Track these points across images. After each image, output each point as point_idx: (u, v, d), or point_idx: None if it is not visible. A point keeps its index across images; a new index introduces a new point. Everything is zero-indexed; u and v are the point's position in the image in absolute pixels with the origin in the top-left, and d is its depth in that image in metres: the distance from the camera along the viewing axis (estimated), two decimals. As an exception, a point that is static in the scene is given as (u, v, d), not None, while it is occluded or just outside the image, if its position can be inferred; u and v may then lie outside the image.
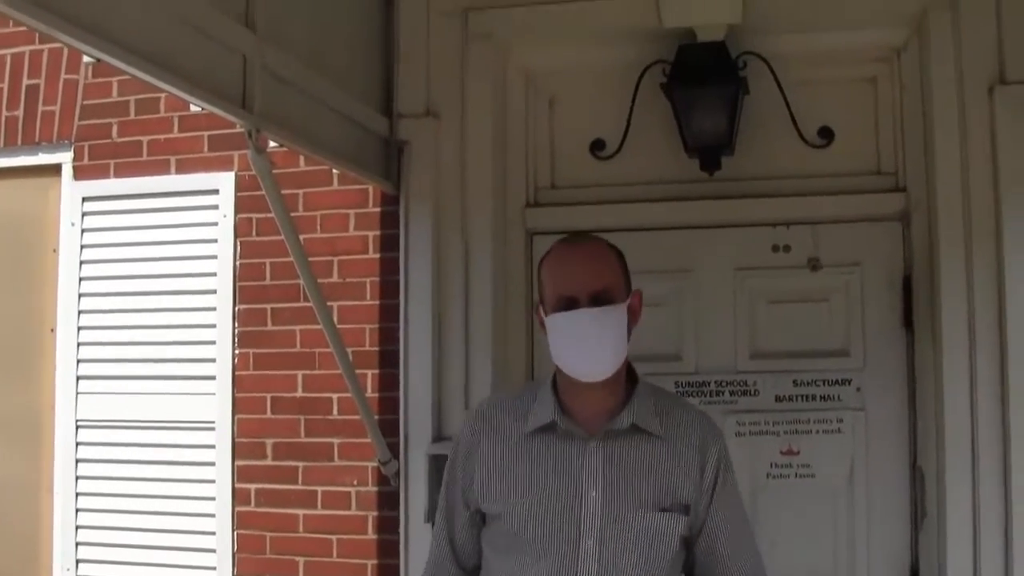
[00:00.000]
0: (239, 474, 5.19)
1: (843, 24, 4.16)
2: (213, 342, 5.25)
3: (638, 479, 2.83)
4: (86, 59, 3.49)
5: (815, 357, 4.33)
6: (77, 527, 5.41)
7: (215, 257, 5.25)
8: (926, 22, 4.08)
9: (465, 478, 2.96)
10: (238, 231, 5.22)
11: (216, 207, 5.26)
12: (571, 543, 2.78)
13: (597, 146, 4.47)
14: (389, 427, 4.41)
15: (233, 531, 5.18)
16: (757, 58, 4.21)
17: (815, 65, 4.34)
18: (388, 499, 4.76)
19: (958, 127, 4.00)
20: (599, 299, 2.78)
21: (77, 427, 5.43)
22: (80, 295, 5.44)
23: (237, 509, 5.19)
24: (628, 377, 2.94)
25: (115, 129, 5.41)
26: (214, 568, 5.21)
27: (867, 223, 4.32)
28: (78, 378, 5.44)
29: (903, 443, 4.25)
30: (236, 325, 5.20)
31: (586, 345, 2.77)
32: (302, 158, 4.84)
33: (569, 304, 2.78)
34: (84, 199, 5.46)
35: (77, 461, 5.43)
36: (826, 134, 4.32)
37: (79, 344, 5.45)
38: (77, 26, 2.60)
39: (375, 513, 4.97)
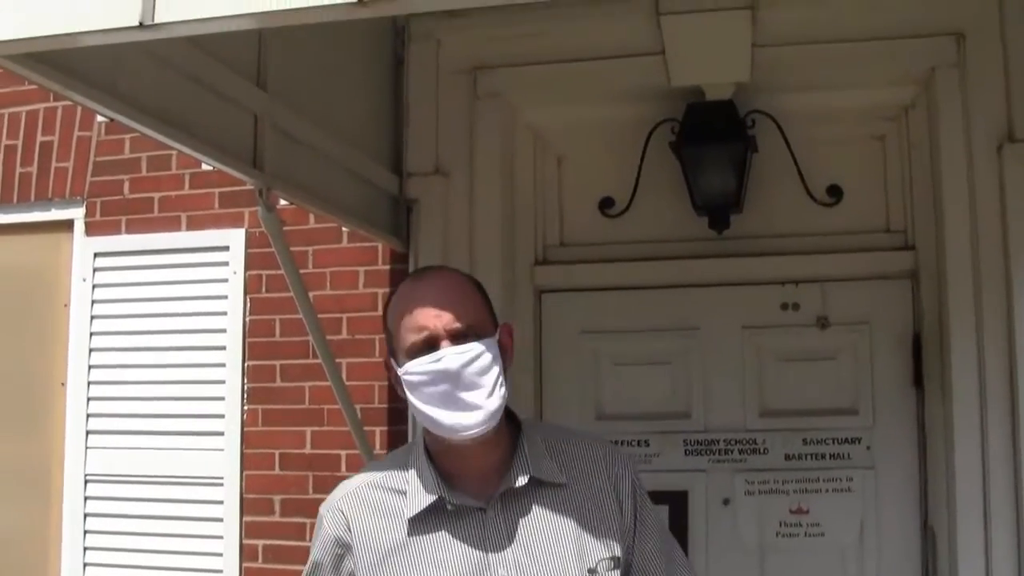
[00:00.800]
0: (247, 530, 5.17)
1: (851, 83, 4.17)
2: (222, 398, 5.24)
3: (554, 543, 2.34)
4: (100, 117, 3.51)
5: (824, 415, 4.32)
6: (85, 582, 5.40)
7: (225, 313, 5.25)
8: (934, 80, 4.10)
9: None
10: (248, 287, 5.22)
11: (226, 264, 5.27)
12: None
13: (606, 204, 4.49)
14: (397, 484, 4.39)
15: (241, 587, 5.17)
16: (765, 116, 4.23)
17: (823, 123, 4.36)
18: (395, 557, 4.73)
19: (967, 185, 4.00)
20: (462, 335, 2.31)
21: (86, 481, 5.41)
22: (90, 350, 5.45)
23: (245, 565, 5.16)
24: (508, 419, 2.43)
25: (127, 186, 5.43)
26: (222, 623, 5.19)
27: (876, 281, 4.32)
28: (87, 432, 5.43)
29: (914, 502, 4.23)
30: (245, 381, 5.20)
31: (456, 392, 2.28)
32: (312, 215, 4.86)
33: (426, 347, 2.31)
34: (96, 255, 5.47)
35: (85, 515, 5.41)
36: (835, 192, 4.33)
37: (89, 398, 5.45)
38: (89, 85, 2.64)
39: (382, 570, 4.94)
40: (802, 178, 4.28)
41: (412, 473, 2.39)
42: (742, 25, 3.91)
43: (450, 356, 2.28)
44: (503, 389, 2.33)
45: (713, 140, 4.15)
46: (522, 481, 2.34)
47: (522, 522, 2.34)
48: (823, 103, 4.28)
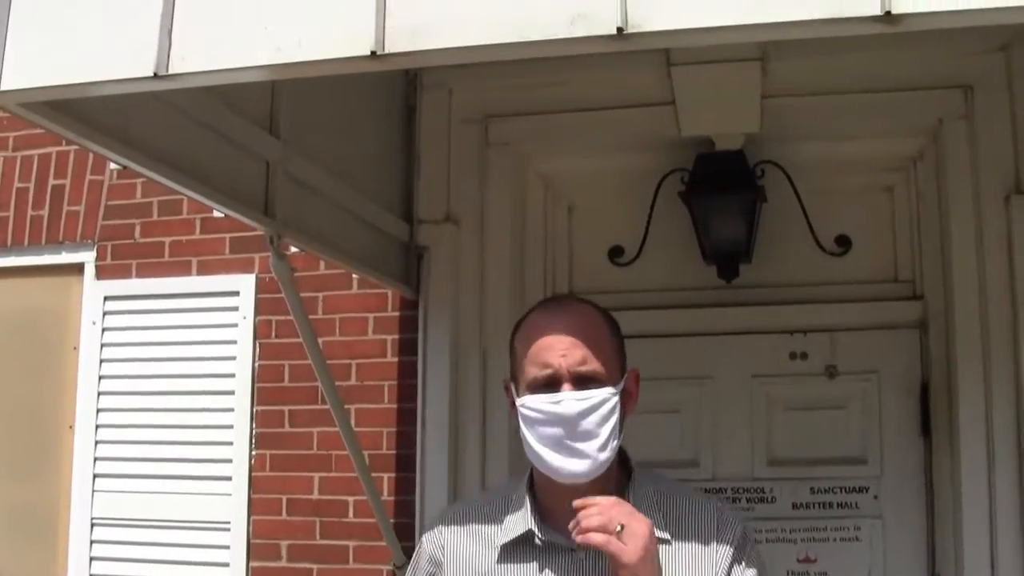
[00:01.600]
0: (254, 575, 5.16)
1: (860, 134, 4.19)
2: (230, 443, 5.23)
3: None
4: (112, 164, 3.53)
5: (832, 464, 4.32)
6: (90, 625, 5.38)
7: (234, 358, 5.25)
8: (942, 132, 4.12)
9: None
10: (257, 333, 5.23)
11: (236, 308, 5.27)
12: None
13: (615, 252, 4.50)
14: (404, 531, 4.39)
15: (248, 632, 5.15)
16: (775, 166, 4.25)
17: (832, 173, 4.38)
18: (403, 603, 4.73)
19: (975, 236, 4.01)
20: (586, 380, 2.26)
21: (92, 524, 5.40)
22: (99, 393, 5.44)
23: (251, 609, 5.16)
24: (620, 463, 2.41)
25: (138, 230, 5.45)
26: (228, 670, 5.17)
27: (884, 331, 4.33)
28: (95, 475, 5.42)
29: (921, 552, 4.22)
30: (254, 426, 5.20)
31: (567, 439, 2.24)
32: (322, 261, 4.87)
33: (547, 385, 2.27)
34: (106, 298, 5.48)
35: (91, 559, 5.39)
36: (843, 242, 4.35)
37: (97, 441, 5.44)
38: (103, 133, 2.66)
39: (390, 616, 4.94)
40: (811, 228, 4.29)
41: (515, 502, 2.39)
42: (752, 76, 3.93)
43: (569, 401, 2.24)
44: (616, 441, 2.30)
45: (723, 190, 4.16)
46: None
47: (612, 571, 2.22)
48: (832, 153, 4.30)
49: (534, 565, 2.31)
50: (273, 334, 5.17)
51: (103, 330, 5.46)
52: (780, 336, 4.38)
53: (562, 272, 4.60)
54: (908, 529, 4.24)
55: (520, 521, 2.34)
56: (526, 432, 2.30)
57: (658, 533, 2.25)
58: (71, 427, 5.53)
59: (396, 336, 4.94)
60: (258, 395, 5.19)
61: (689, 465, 4.40)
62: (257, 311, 5.23)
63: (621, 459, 2.40)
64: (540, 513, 2.34)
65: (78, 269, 5.60)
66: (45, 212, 5.68)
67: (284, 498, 5.10)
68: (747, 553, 2.35)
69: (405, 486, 4.69)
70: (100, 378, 5.45)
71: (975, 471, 3.93)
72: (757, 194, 4.18)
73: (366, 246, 4.06)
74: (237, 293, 5.27)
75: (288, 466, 5.11)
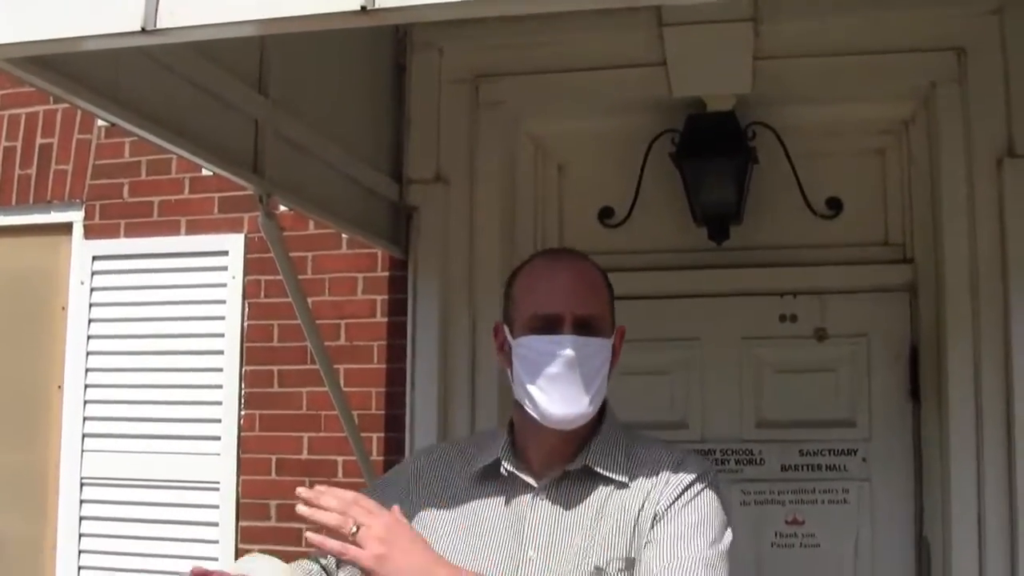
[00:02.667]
0: (243, 535, 5.16)
1: (852, 96, 4.17)
2: (219, 403, 5.23)
3: (583, 534, 2.26)
4: (100, 121, 3.51)
5: (821, 427, 4.33)
6: (80, 584, 5.40)
7: (223, 318, 5.25)
8: (934, 95, 4.11)
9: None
10: (247, 293, 5.22)
11: (225, 268, 5.26)
12: None
13: (606, 213, 4.49)
14: (393, 491, 4.40)
15: (236, 592, 5.15)
16: (766, 128, 4.23)
17: (824, 136, 4.37)
18: (390, 562, 4.73)
19: (966, 199, 4.00)
20: (586, 325, 2.27)
21: (82, 485, 5.41)
22: (88, 353, 5.44)
23: (240, 570, 5.16)
24: (598, 418, 2.38)
25: (126, 189, 5.43)
26: (216, 629, 5.17)
27: (874, 294, 4.33)
28: (84, 435, 5.42)
29: (909, 514, 4.24)
30: (243, 386, 5.20)
31: (561, 384, 2.25)
32: (311, 221, 4.86)
33: (548, 326, 2.26)
34: (94, 258, 5.47)
35: (81, 519, 5.40)
36: (834, 205, 4.34)
37: (85, 402, 5.44)
38: (91, 90, 2.63)
39: (377, 575, 4.94)
40: (802, 190, 4.28)
41: (494, 439, 2.42)
42: (744, 37, 3.92)
43: (570, 343, 2.24)
44: (602, 395, 2.32)
45: (713, 151, 4.15)
46: (575, 467, 2.30)
47: (565, 509, 2.29)
48: (824, 116, 4.29)
49: (498, 500, 2.33)
50: (262, 294, 5.16)
51: (92, 290, 5.45)
52: (770, 298, 4.38)
53: (552, 232, 4.59)
54: (896, 492, 4.25)
55: (492, 451, 2.37)
56: (521, 371, 2.30)
57: (617, 476, 2.29)
58: (60, 387, 5.53)
59: (386, 296, 4.94)
60: (247, 355, 5.19)
61: (678, 427, 4.41)
62: (246, 271, 5.22)
63: (600, 414, 2.38)
64: (513, 449, 2.37)
65: (66, 229, 5.59)
66: (33, 171, 5.65)
67: (273, 458, 5.11)
68: (698, 494, 2.29)
69: (394, 446, 4.70)
70: (89, 338, 5.44)
71: (963, 435, 3.94)
72: (748, 156, 4.17)
73: (356, 206, 4.05)
74: (226, 253, 5.27)
75: (277, 426, 5.12)
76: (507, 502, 2.33)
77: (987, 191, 3.98)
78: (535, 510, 2.30)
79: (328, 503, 2.04)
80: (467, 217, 4.35)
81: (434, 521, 2.34)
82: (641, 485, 2.29)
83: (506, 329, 2.38)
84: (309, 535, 2.04)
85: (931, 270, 4.17)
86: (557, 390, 2.25)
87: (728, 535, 2.35)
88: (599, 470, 2.30)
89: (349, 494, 2.09)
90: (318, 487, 2.08)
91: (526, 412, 2.32)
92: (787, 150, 4.26)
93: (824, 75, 4.14)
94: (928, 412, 4.17)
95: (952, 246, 4.02)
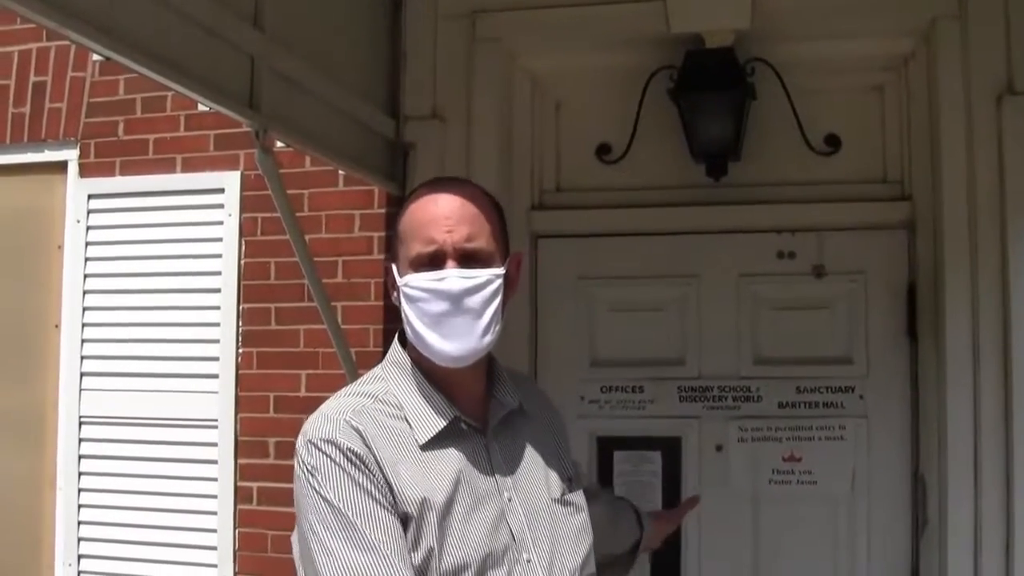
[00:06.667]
0: (242, 472, 5.20)
1: (851, 33, 4.14)
2: (217, 340, 5.25)
3: (540, 468, 2.39)
4: (95, 56, 3.49)
5: (818, 364, 4.32)
6: (79, 523, 5.42)
7: (220, 256, 5.25)
8: (934, 32, 4.07)
9: (385, 488, 2.19)
10: (243, 230, 5.22)
11: (221, 206, 5.26)
12: (516, 564, 2.23)
13: (603, 150, 4.47)
14: (391, 428, 4.41)
15: (235, 529, 5.19)
16: (765, 65, 4.20)
17: (823, 73, 4.34)
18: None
19: (965, 137, 3.98)
20: (470, 258, 2.24)
21: (80, 423, 5.44)
22: (84, 292, 5.45)
23: (239, 507, 5.19)
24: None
25: (121, 127, 5.42)
26: (215, 566, 5.22)
27: (872, 231, 4.31)
28: (82, 374, 5.45)
29: (905, 451, 4.24)
30: (240, 324, 5.21)
31: (450, 320, 2.21)
32: (308, 158, 4.85)
33: (431, 262, 2.23)
34: (90, 196, 5.46)
35: (80, 457, 5.44)
36: (833, 142, 4.32)
37: (83, 340, 5.46)
38: (86, 23, 2.60)
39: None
40: (800, 127, 4.26)
41: (408, 398, 2.30)
42: (743, -29, 3.89)
43: (453, 278, 2.21)
44: (499, 325, 2.28)
45: (712, 87, 4.12)
46: (513, 405, 2.40)
47: (513, 447, 2.37)
48: (823, 52, 4.26)
49: (454, 452, 2.27)
50: (259, 231, 5.17)
51: (87, 228, 5.46)
52: (768, 235, 4.37)
53: (549, 169, 4.57)
54: (892, 429, 4.25)
55: (437, 413, 2.28)
56: (409, 312, 2.26)
57: (528, 408, 2.48)
58: (57, 326, 5.54)
59: (382, 233, 4.94)
60: (244, 293, 5.20)
61: (675, 363, 4.41)
62: (243, 208, 5.22)
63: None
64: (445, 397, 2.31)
65: (61, 167, 5.58)
66: (27, 109, 5.63)
67: (271, 396, 5.14)
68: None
69: (391, 384, 4.71)
70: (85, 277, 5.45)
71: (960, 372, 3.93)
72: (747, 92, 4.14)
73: (352, 142, 4.03)
74: (222, 190, 5.26)
75: (275, 364, 5.14)
76: (469, 457, 2.28)
77: (986, 128, 3.95)
78: (497, 455, 2.33)
79: None
80: (463, 154, 4.32)
81: (434, 496, 2.19)
82: (540, 415, 2.54)
83: (394, 269, 2.33)
84: None
85: (929, 208, 4.15)
86: (447, 327, 2.22)
87: None
88: (524, 407, 2.46)
89: None
90: None
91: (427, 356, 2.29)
92: (786, 87, 4.23)
93: (824, 11, 4.10)
94: (925, 350, 4.17)
95: (951, 184, 4.00)
